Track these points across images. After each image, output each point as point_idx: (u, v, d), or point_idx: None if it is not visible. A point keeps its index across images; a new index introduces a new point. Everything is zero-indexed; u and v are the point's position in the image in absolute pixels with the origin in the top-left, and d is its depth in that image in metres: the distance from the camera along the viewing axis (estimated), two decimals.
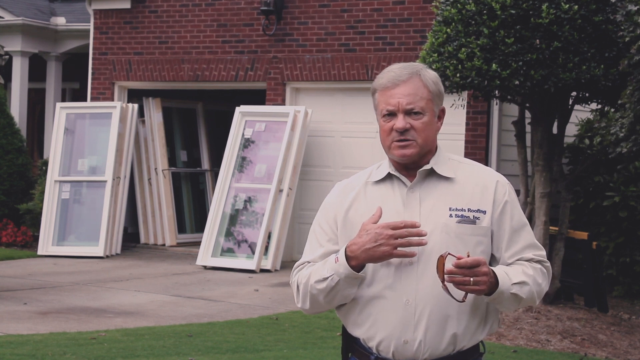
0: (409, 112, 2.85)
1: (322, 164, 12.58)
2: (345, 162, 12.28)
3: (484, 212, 2.88)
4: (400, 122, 2.85)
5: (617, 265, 10.60)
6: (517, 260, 2.90)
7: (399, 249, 2.74)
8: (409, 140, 2.85)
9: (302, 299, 2.92)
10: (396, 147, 2.86)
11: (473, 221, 2.86)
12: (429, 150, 2.91)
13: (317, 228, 2.98)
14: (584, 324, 8.57)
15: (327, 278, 2.81)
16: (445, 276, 2.70)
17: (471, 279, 2.69)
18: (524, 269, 2.87)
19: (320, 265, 2.87)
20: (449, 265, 2.70)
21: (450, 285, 2.72)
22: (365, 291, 2.86)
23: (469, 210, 2.87)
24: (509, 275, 2.81)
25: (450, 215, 2.85)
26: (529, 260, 2.91)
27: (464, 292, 2.75)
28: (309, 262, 2.93)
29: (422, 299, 2.81)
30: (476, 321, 2.87)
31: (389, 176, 2.93)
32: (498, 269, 2.80)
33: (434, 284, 2.79)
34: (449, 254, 2.72)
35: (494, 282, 2.76)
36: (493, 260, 2.93)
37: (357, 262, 2.77)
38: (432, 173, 2.91)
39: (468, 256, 2.71)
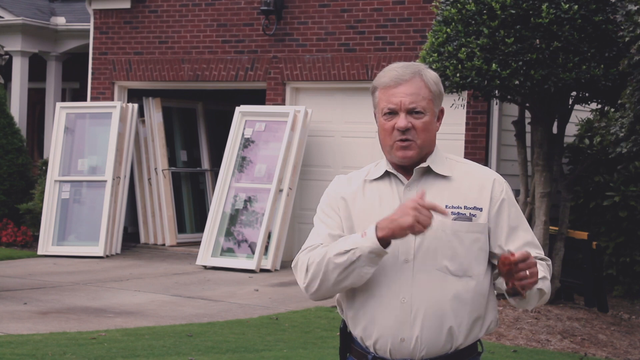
0: (410, 112, 2.86)
1: (322, 164, 12.58)
2: (345, 162, 12.28)
3: (481, 210, 2.89)
4: (402, 121, 2.85)
5: (617, 265, 10.60)
6: None
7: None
8: (410, 141, 2.86)
9: (311, 279, 2.84)
10: (398, 147, 2.87)
11: (469, 218, 2.87)
12: (428, 151, 2.92)
13: (322, 215, 2.97)
14: (584, 324, 8.57)
15: (348, 251, 2.77)
16: (517, 281, 2.71)
17: (527, 272, 2.70)
18: (537, 266, 2.89)
19: (341, 241, 2.83)
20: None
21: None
22: (361, 289, 2.86)
23: (465, 207, 2.88)
24: None
25: None
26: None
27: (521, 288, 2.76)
28: (321, 244, 2.88)
29: (418, 297, 2.81)
30: (473, 319, 2.87)
31: (387, 174, 2.95)
32: None
33: (430, 282, 2.80)
34: (503, 255, 2.72)
35: None
36: (491, 257, 2.94)
37: (382, 233, 2.74)
38: (429, 171, 2.92)
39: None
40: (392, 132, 2.87)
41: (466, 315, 2.85)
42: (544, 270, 2.89)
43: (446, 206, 2.87)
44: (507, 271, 2.71)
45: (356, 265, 2.77)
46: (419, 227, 2.70)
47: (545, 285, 2.86)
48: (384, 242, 2.75)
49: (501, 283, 2.83)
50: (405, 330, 2.82)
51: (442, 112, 2.96)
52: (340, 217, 2.93)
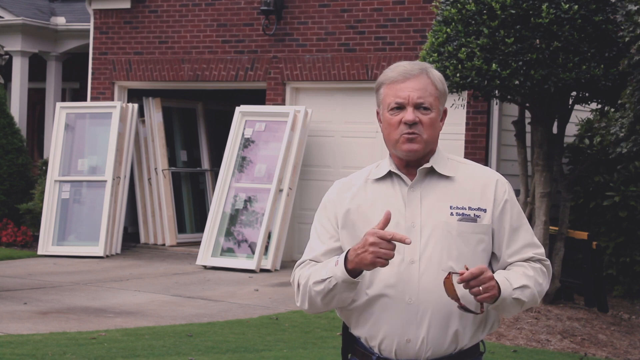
0: (418, 106, 2.86)
1: (322, 164, 12.58)
2: (345, 162, 12.28)
3: (485, 211, 2.89)
4: (409, 114, 2.85)
5: (617, 265, 10.60)
6: (517, 259, 2.91)
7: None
8: (416, 134, 2.86)
9: (301, 299, 2.92)
10: (404, 140, 2.86)
11: (474, 219, 2.87)
12: (431, 149, 2.92)
13: (318, 226, 2.98)
14: (584, 324, 8.57)
15: (325, 280, 2.81)
16: (460, 293, 2.71)
17: (480, 288, 2.70)
18: (524, 271, 2.88)
19: (321, 266, 2.87)
20: (456, 283, 2.71)
21: (465, 301, 2.73)
22: (367, 290, 2.86)
23: (469, 208, 2.88)
24: (509, 280, 2.82)
25: (452, 214, 2.86)
26: (529, 259, 2.92)
27: (478, 304, 2.76)
28: (311, 260, 2.93)
29: (424, 298, 2.81)
30: (478, 320, 2.88)
31: (389, 174, 2.94)
32: (498, 276, 2.81)
33: (436, 283, 2.80)
34: (451, 273, 2.72)
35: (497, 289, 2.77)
36: (494, 258, 2.94)
37: (351, 265, 2.76)
38: (432, 172, 2.92)
39: (467, 269, 2.72)
40: (399, 126, 2.86)
41: (471, 317, 2.85)
42: (529, 275, 2.87)
43: (450, 207, 2.87)
44: (452, 291, 2.71)
45: (334, 292, 2.81)
46: (380, 261, 2.70)
47: (524, 294, 2.83)
48: (354, 272, 2.76)
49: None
50: (412, 331, 2.82)
51: (445, 112, 2.96)
52: (335, 228, 2.93)
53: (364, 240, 2.71)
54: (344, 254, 2.79)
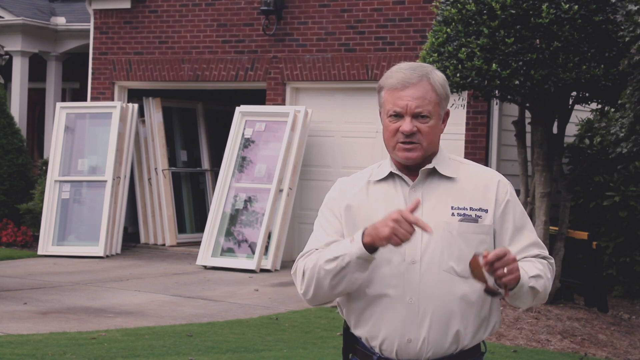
0: (416, 116, 2.85)
1: (322, 164, 12.58)
2: (345, 162, 12.28)
3: (486, 211, 2.89)
4: (407, 125, 2.85)
5: (617, 265, 10.60)
6: (523, 257, 2.92)
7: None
8: (414, 144, 2.86)
9: (307, 285, 2.86)
10: (401, 149, 2.87)
11: (475, 220, 2.87)
12: (432, 152, 2.92)
13: (322, 220, 2.97)
14: (584, 324, 8.57)
15: (337, 257, 2.77)
16: (487, 275, 2.68)
17: (505, 270, 2.68)
18: (534, 264, 2.89)
19: (333, 246, 2.84)
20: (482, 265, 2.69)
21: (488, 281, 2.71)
22: (368, 290, 2.86)
23: (470, 209, 2.88)
24: (525, 269, 2.82)
25: (453, 214, 2.86)
26: (535, 256, 2.93)
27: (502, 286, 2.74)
28: (317, 250, 2.90)
29: (425, 298, 2.82)
30: (479, 320, 2.88)
31: (391, 175, 2.94)
32: None
33: (437, 283, 2.80)
34: (476, 254, 2.70)
35: None
36: None
37: (367, 239, 2.73)
38: (434, 172, 2.92)
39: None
40: (397, 133, 2.87)
41: (472, 317, 2.85)
42: (540, 268, 2.88)
43: (452, 207, 2.87)
44: (479, 273, 2.69)
45: (346, 271, 2.78)
46: (395, 239, 2.68)
47: (539, 283, 2.84)
48: (371, 248, 2.75)
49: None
50: (412, 331, 2.82)
51: (447, 114, 2.95)
52: (341, 223, 2.93)
53: (386, 216, 2.70)
54: (361, 230, 2.77)
